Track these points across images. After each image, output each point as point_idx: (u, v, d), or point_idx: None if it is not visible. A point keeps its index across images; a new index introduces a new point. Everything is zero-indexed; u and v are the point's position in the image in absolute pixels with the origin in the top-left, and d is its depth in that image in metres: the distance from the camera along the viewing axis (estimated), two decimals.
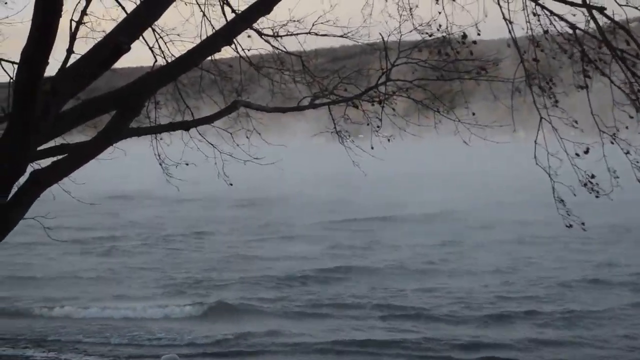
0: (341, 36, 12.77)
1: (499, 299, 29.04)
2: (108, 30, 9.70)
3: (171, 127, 11.11)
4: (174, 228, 51.48)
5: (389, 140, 13.10)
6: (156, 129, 11.31)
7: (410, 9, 11.70)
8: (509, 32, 9.52)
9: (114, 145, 10.04)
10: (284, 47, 13.16)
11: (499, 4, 9.73)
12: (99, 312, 28.02)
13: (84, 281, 33.50)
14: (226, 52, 12.05)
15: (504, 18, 9.57)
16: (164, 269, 36.46)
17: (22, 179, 8.92)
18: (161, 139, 12.97)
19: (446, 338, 24.08)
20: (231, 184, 13.02)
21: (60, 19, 7.89)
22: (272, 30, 12.81)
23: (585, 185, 10.12)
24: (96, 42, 9.42)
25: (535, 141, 9.80)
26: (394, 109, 12.61)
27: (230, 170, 12.97)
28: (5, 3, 14.23)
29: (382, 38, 11.96)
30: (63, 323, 26.85)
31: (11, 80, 11.70)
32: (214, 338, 24.58)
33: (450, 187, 72.14)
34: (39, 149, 9.16)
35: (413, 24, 11.71)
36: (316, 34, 12.72)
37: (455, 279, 32.99)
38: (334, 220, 53.29)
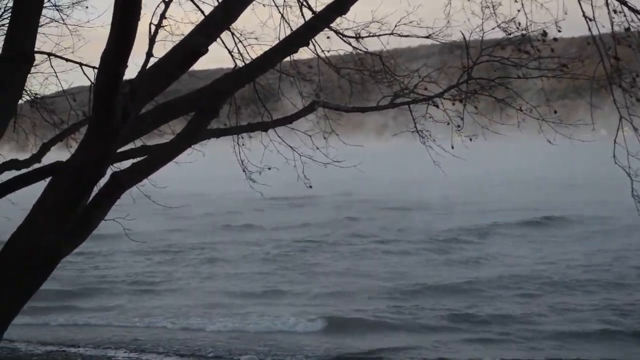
0: (425, 37, 12.73)
1: None
2: (186, 34, 9.82)
3: (250, 127, 11.18)
4: (281, 232, 49.26)
5: (470, 139, 13.00)
6: (235, 130, 11.38)
7: (494, 6, 11.62)
8: (589, 29, 9.33)
9: (192, 147, 10.14)
10: (365, 48, 13.17)
11: (579, 1, 9.56)
12: (206, 324, 26.50)
13: (188, 290, 32.47)
14: (306, 53, 12.11)
15: (584, 15, 9.40)
16: (278, 277, 34.68)
17: (103, 181, 9.05)
18: (243, 144, 13.04)
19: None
20: (310, 187, 12.95)
21: (140, 22, 7.97)
22: (354, 31, 12.83)
23: None
24: (174, 44, 9.55)
25: (614, 140, 9.58)
26: (476, 107, 12.51)
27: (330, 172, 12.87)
28: (87, 7, 14.55)
29: (464, 36, 11.89)
30: (168, 334, 25.70)
31: (92, 84, 11.99)
32: (339, 354, 22.68)
33: (549, 188, 69.87)
34: (119, 150, 9.28)
35: (496, 21, 11.63)
36: (399, 35, 12.70)
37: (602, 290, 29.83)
38: (440, 229, 48.41)
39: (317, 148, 13.02)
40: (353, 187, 72.65)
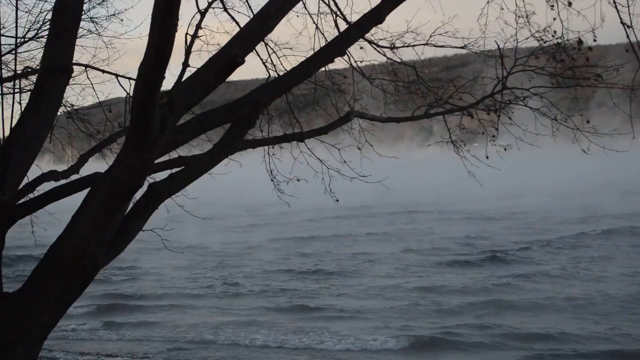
0: (461, 47, 12.70)
1: None
2: (222, 44, 9.87)
3: (285, 138, 11.20)
4: (331, 243, 47.42)
5: (505, 149, 12.96)
6: (271, 141, 11.41)
7: (527, 15, 11.58)
8: (627, 36, 9.26)
9: (229, 157, 10.18)
10: (400, 58, 13.16)
11: (615, 7, 9.50)
12: (281, 340, 25.28)
13: (234, 304, 31.39)
14: (339, 64, 12.10)
15: (622, 22, 9.33)
16: (332, 291, 33.16)
17: (141, 192, 9.10)
18: (273, 154, 13.05)
19: None
20: (337, 200, 12.93)
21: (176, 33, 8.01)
22: (389, 41, 12.83)
23: None
24: (210, 55, 9.61)
25: None
26: (510, 118, 12.46)
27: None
28: (122, 20, 14.66)
29: (498, 46, 11.86)
30: (214, 346, 24.91)
31: (128, 96, 12.06)
32: None
33: (606, 196, 67.90)
34: (156, 161, 9.32)
35: (530, 30, 11.59)
36: (434, 45, 12.67)
37: None
38: (501, 241, 46.45)
39: (345, 162, 12.99)
40: (399, 197, 71.40)
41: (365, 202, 65.51)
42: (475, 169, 12.80)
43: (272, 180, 13.27)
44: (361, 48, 12.58)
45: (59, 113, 11.62)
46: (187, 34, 10.71)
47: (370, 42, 12.68)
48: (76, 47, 10.02)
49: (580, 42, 10.63)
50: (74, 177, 10.68)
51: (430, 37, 12.61)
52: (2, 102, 9.13)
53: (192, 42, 10.57)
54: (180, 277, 37.54)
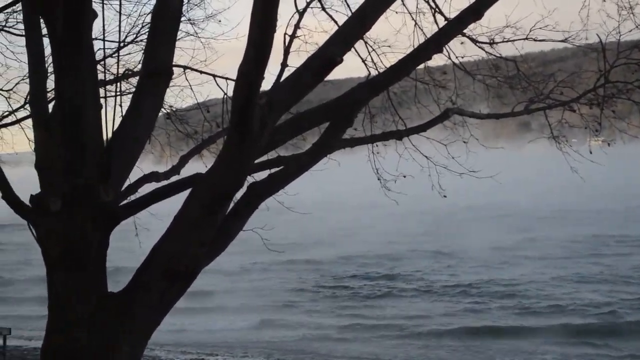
0: (561, 41, 12.50)
1: None
2: (319, 43, 9.84)
3: (384, 136, 11.11)
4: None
5: (609, 144, 12.73)
6: (369, 139, 11.32)
7: (631, 7, 11.36)
8: None
9: (328, 156, 10.15)
10: (499, 53, 13.00)
11: None
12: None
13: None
14: (439, 60, 11.98)
15: None
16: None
17: (241, 191, 9.13)
18: (378, 152, 12.98)
19: None
20: (445, 196, 12.81)
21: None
22: (488, 37, 12.68)
23: None
24: (308, 55, 9.58)
25: None
26: (613, 112, 12.19)
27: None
28: (219, 21, 14.78)
29: (600, 39, 11.62)
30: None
31: (225, 96, 12.12)
32: None
33: None
34: (255, 161, 9.35)
35: (634, 21, 11.36)
36: (534, 40, 12.50)
37: None
38: None
39: (453, 157, 12.86)
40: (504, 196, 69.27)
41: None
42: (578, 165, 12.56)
43: (378, 179, 13.20)
44: (462, 44, 12.45)
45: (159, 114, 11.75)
46: (285, 33, 10.73)
47: (469, 37, 12.54)
48: (175, 48, 10.10)
49: None
50: (175, 178, 10.79)
51: (530, 31, 12.44)
52: (106, 105, 9.26)
53: (290, 42, 10.58)
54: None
